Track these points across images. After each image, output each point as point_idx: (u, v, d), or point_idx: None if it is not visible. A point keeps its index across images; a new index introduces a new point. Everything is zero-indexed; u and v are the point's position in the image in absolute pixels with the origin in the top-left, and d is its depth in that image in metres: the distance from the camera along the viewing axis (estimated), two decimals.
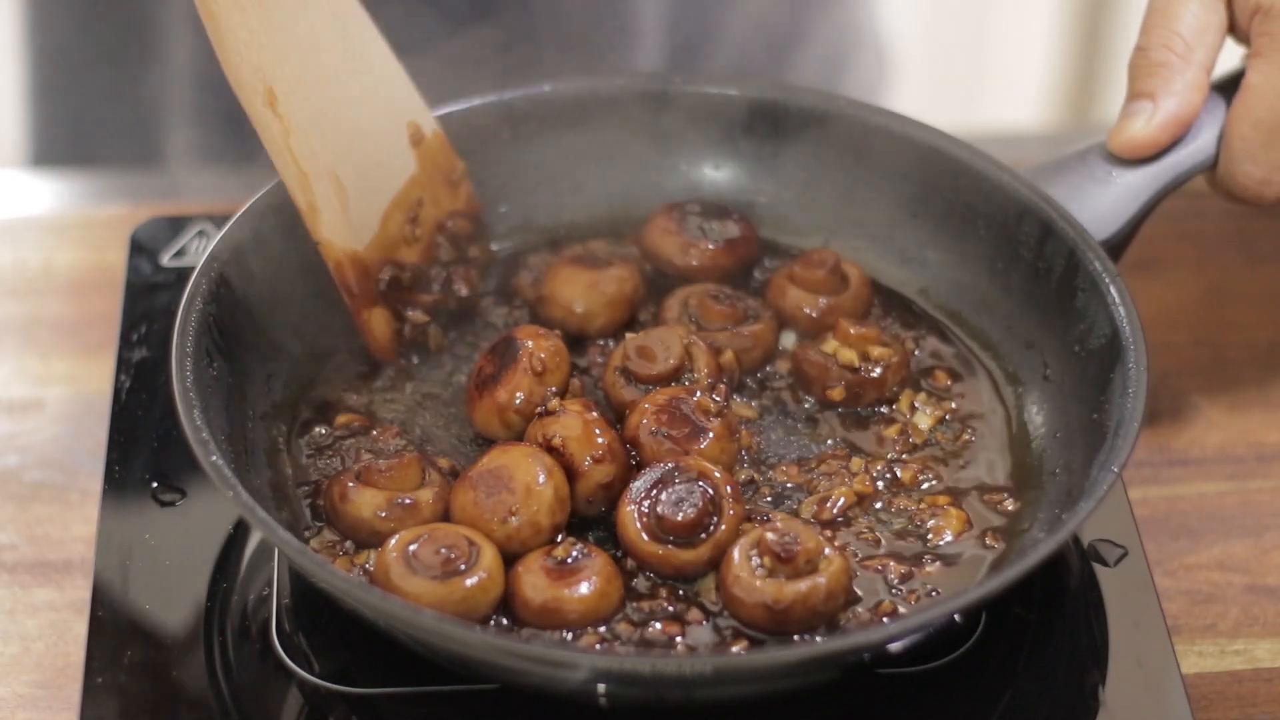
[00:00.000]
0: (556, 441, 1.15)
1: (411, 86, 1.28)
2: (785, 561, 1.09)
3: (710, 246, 1.30)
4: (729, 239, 1.31)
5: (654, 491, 1.13)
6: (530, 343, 1.20)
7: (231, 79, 1.20)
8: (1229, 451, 1.34)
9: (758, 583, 1.09)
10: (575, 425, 1.16)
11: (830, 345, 1.24)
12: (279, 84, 1.20)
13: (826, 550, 1.10)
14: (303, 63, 1.21)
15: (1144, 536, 1.21)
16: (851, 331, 1.24)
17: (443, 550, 1.09)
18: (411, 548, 1.09)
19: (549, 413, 1.17)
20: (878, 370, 1.24)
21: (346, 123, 1.24)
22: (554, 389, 1.20)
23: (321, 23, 1.23)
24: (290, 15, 1.21)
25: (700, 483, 1.13)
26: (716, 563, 1.12)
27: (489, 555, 1.10)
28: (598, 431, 1.16)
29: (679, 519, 1.12)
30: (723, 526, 1.12)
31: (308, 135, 1.21)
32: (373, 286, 1.25)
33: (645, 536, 1.12)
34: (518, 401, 1.19)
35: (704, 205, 1.32)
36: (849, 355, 1.23)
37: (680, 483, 1.13)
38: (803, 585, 1.09)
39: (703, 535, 1.12)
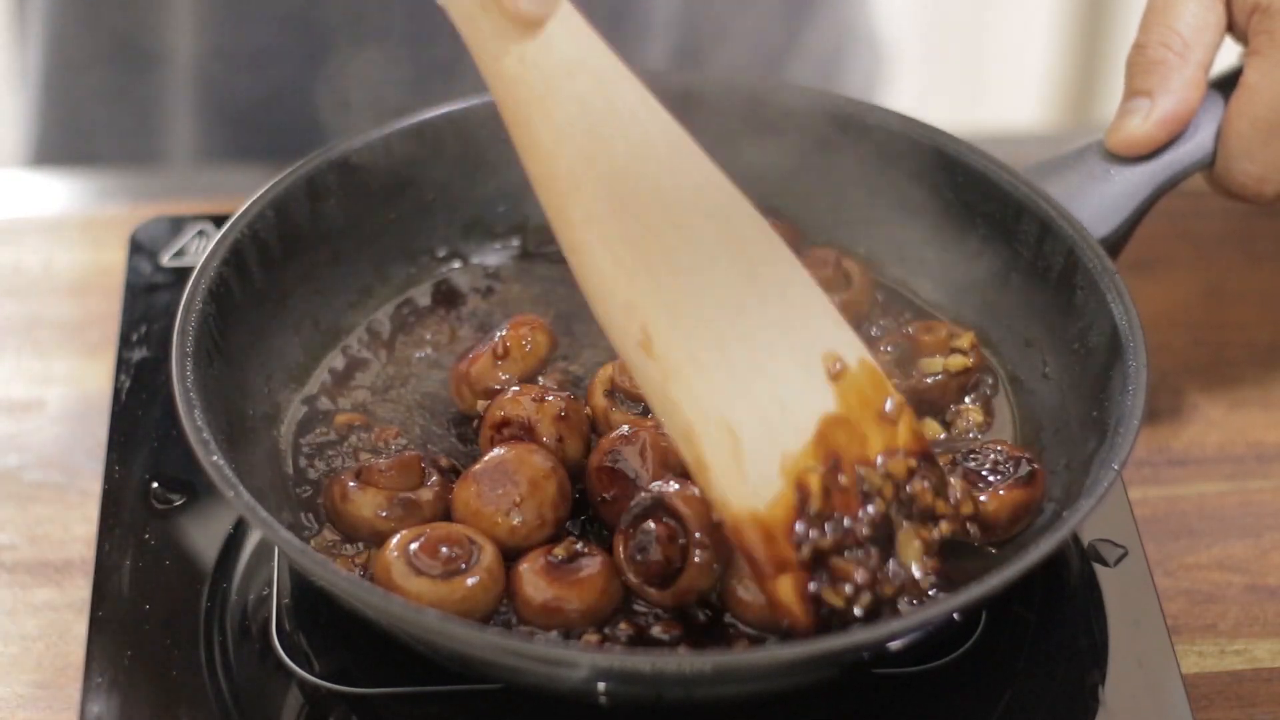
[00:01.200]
0: (501, 414, 1.17)
1: (831, 310, 1.10)
2: None
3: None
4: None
5: (633, 526, 1.11)
6: (508, 328, 1.23)
7: (600, 318, 1.05)
8: (1229, 451, 1.34)
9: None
10: (524, 398, 1.18)
11: (935, 363, 1.23)
12: (656, 321, 1.03)
13: None
14: (689, 291, 1.04)
15: (1144, 536, 1.21)
16: (927, 337, 1.24)
17: (443, 549, 1.09)
18: (412, 547, 1.09)
19: (499, 390, 1.20)
20: (973, 358, 1.24)
21: (744, 360, 1.05)
22: (512, 376, 1.22)
23: (714, 243, 1.05)
24: (671, 238, 1.04)
25: (673, 522, 1.10)
26: (687, 604, 1.11)
27: (489, 554, 1.10)
28: (550, 398, 1.18)
29: (641, 561, 1.11)
30: (686, 573, 1.10)
31: (693, 379, 1.04)
32: (781, 552, 1.04)
33: (629, 571, 1.11)
34: (474, 376, 1.22)
35: None
36: (960, 361, 1.23)
37: (651, 521, 1.11)
38: None
39: (667, 580, 1.10)
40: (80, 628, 1.18)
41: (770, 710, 1.11)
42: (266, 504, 1.11)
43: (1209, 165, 1.26)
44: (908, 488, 1.09)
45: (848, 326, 1.11)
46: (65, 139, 1.74)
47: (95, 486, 1.25)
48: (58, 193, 1.59)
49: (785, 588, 1.05)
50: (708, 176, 1.09)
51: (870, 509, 1.07)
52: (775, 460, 1.05)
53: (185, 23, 1.64)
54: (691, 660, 1.06)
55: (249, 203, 1.23)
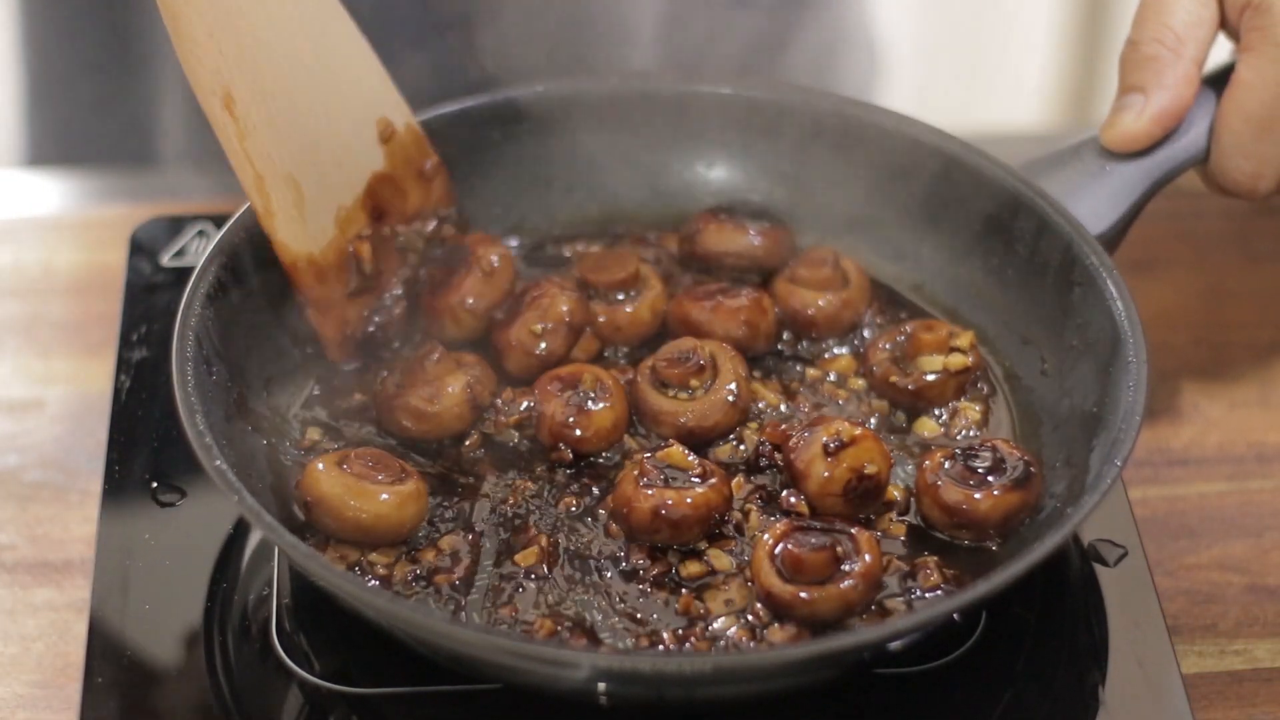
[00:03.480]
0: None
1: (386, 80, 1.26)
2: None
3: (768, 226, 1.31)
4: (775, 223, 1.32)
5: None
6: (479, 248, 1.27)
7: (190, 79, 1.18)
8: (1229, 451, 1.34)
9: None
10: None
11: (935, 362, 1.24)
12: (238, 86, 1.18)
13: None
14: (266, 63, 1.19)
15: (1144, 536, 1.21)
16: (927, 335, 1.24)
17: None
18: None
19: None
20: (972, 357, 1.24)
21: (309, 123, 1.22)
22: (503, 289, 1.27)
23: (290, 22, 1.20)
24: (255, 16, 1.18)
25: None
26: None
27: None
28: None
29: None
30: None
31: (265, 137, 1.20)
32: (329, 291, 1.24)
33: None
34: (469, 303, 1.25)
35: (733, 205, 1.33)
36: (960, 360, 1.23)
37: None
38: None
39: None
40: (80, 628, 1.18)
41: (771, 710, 1.11)
42: (269, 507, 1.11)
43: (1203, 161, 1.27)
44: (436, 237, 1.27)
45: (396, 90, 1.27)
46: (65, 139, 1.74)
47: (95, 486, 1.25)
48: (57, 193, 1.59)
49: (331, 320, 1.23)
50: None
51: (405, 268, 1.26)
52: (331, 211, 1.23)
53: None
54: (691, 660, 1.06)
55: (245, 207, 1.23)
